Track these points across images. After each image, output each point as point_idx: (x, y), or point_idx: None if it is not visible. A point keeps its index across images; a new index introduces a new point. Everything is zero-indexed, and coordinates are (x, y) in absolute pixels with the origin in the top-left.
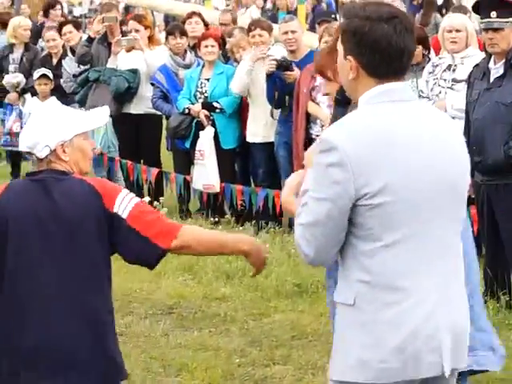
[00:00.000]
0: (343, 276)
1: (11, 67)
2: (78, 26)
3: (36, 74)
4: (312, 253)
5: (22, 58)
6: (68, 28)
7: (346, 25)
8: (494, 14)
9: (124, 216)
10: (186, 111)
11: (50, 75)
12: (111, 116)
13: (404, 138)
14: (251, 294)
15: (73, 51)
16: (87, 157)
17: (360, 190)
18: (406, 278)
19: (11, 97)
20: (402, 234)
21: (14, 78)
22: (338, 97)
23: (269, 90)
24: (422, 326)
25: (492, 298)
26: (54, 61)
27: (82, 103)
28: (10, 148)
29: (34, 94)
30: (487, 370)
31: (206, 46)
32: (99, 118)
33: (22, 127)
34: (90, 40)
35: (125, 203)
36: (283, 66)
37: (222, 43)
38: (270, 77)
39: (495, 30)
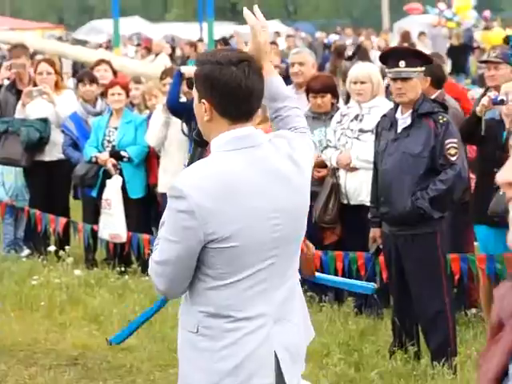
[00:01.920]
0: (188, 305)
1: None
2: None
3: None
4: (163, 287)
5: None
6: None
7: (199, 70)
8: (402, 63)
9: None
10: (93, 159)
11: None
12: (23, 166)
13: (249, 185)
14: (158, 344)
15: None
16: None
17: (208, 235)
18: (247, 309)
19: None
20: (248, 272)
21: None
22: (197, 138)
23: (174, 85)
24: (257, 351)
25: (400, 349)
26: None
27: None
28: None
29: None
30: None
31: (113, 94)
32: None
33: None
34: None
35: None
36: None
37: None
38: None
39: (403, 79)
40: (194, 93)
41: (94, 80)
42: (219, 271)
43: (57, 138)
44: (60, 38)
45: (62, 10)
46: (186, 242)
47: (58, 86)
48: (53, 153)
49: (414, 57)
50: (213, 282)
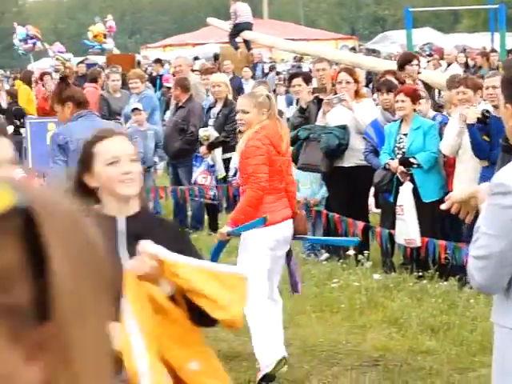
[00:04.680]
0: (508, 302)
1: (210, 121)
2: (307, 79)
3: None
4: (484, 282)
5: (218, 113)
6: (297, 81)
7: (506, 75)
8: None
9: None
10: (387, 166)
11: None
12: (322, 171)
13: None
14: (456, 348)
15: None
16: None
17: None
18: None
19: (202, 150)
20: None
21: (204, 131)
22: (504, 143)
23: (475, 139)
24: None
25: None
26: None
27: (294, 160)
28: (196, 199)
29: (225, 148)
30: None
31: (397, 102)
32: None
33: (211, 180)
34: (303, 110)
35: None
36: (483, 119)
37: None
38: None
39: None
40: (500, 96)
41: (390, 89)
42: None
43: (356, 144)
44: (353, 49)
45: (355, 21)
46: (510, 237)
47: (358, 95)
48: (352, 159)
49: None
50: None
